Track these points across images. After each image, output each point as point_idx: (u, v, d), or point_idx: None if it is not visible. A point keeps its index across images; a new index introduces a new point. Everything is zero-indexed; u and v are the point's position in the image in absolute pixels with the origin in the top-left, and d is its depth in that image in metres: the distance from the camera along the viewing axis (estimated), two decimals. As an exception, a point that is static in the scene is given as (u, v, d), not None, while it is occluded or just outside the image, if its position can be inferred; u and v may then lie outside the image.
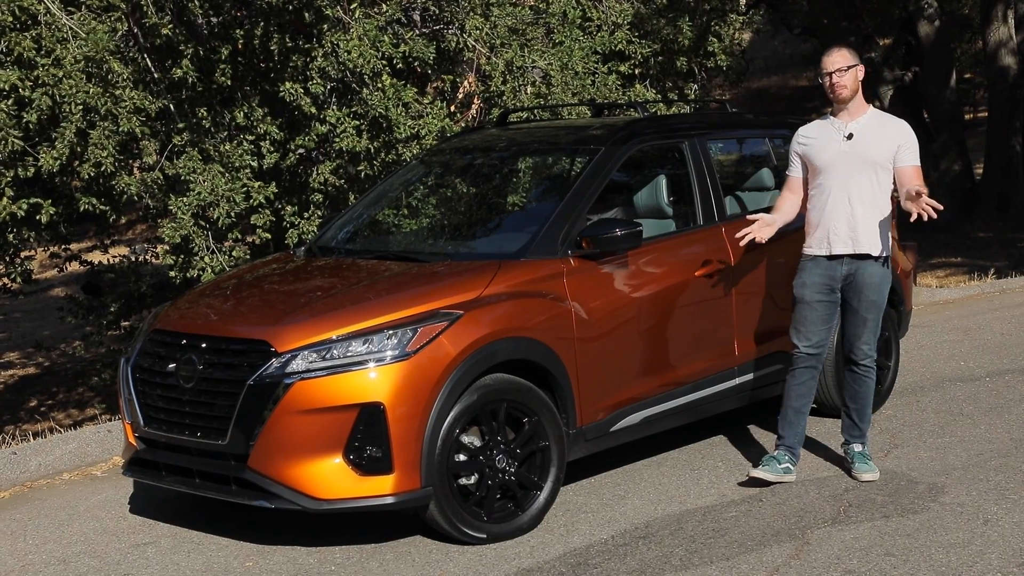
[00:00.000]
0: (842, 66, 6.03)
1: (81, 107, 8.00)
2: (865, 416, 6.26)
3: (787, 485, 6.10)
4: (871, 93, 18.71)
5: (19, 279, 9.61)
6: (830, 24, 16.77)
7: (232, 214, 8.57)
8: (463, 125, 10.22)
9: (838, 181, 6.06)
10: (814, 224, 6.16)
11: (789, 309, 6.86)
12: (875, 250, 6.05)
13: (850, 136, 6.07)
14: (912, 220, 5.81)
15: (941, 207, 5.76)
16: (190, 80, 8.62)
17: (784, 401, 6.23)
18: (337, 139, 8.82)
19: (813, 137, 6.23)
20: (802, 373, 6.17)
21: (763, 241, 6.22)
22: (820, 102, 26.47)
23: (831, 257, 6.09)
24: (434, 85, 10.60)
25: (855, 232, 6.03)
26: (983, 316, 10.05)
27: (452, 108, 10.41)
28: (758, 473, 6.08)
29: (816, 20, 16.98)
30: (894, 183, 6.10)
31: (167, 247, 8.96)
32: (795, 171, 6.30)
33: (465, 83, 10.69)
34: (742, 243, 6.17)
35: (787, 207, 6.29)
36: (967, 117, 21.45)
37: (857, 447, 6.24)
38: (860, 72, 6.11)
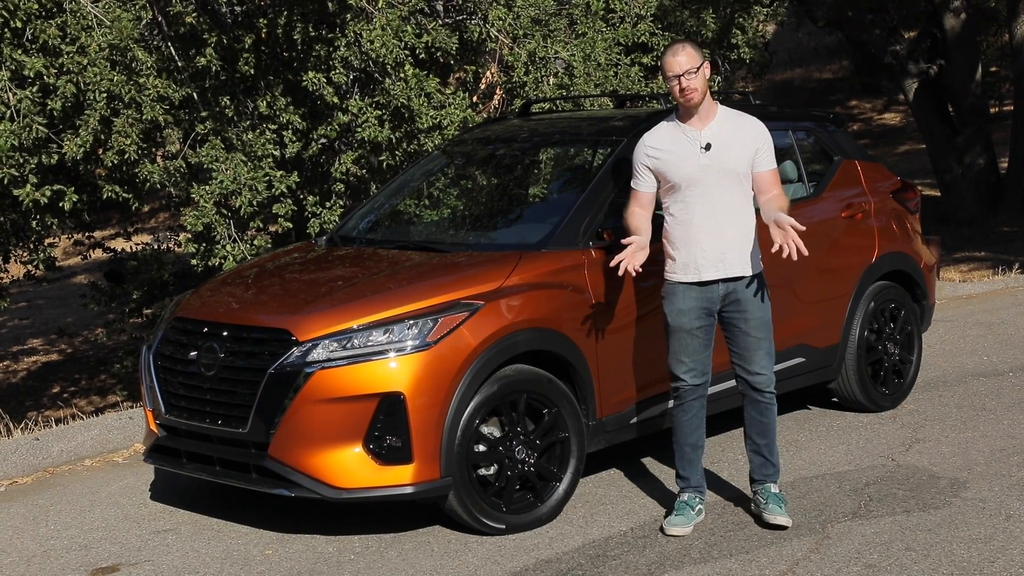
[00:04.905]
0: (691, 68, 5.31)
1: (105, 95, 8.02)
2: (775, 450, 5.60)
3: (807, 479, 6.08)
4: (896, 87, 18.62)
5: (42, 266, 9.65)
6: (855, 16, 16.67)
7: (254, 203, 8.57)
8: (485, 116, 10.20)
9: (703, 198, 5.40)
10: (678, 246, 5.47)
11: (811, 302, 6.85)
12: (748, 270, 5.44)
13: (708, 147, 5.40)
14: (772, 251, 5.24)
15: (805, 250, 5.17)
16: (213, 69, 8.63)
17: (677, 439, 5.59)
18: (359, 129, 8.81)
19: (665, 150, 5.48)
20: (691, 406, 5.54)
21: (638, 269, 5.43)
22: (843, 94, 26.31)
23: (703, 283, 5.45)
24: (456, 75, 10.59)
25: (725, 254, 5.40)
26: (1007, 311, 9.98)
27: (474, 98, 10.40)
28: (675, 531, 5.47)
29: (841, 12, 16.84)
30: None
31: (189, 235, 8.98)
32: (644, 185, 5.57)
33: (487, 74, 10.68)
34: (620, 272, 5.41)
35: (644, 225, 5.56)
36: (992, 111, 21.27)
37: (773, 487, 5.59)
38: (707, 70, 5.41)
